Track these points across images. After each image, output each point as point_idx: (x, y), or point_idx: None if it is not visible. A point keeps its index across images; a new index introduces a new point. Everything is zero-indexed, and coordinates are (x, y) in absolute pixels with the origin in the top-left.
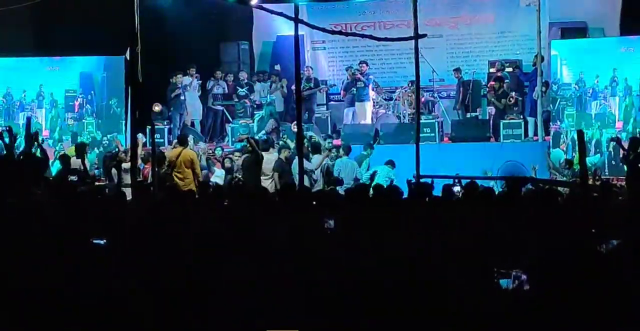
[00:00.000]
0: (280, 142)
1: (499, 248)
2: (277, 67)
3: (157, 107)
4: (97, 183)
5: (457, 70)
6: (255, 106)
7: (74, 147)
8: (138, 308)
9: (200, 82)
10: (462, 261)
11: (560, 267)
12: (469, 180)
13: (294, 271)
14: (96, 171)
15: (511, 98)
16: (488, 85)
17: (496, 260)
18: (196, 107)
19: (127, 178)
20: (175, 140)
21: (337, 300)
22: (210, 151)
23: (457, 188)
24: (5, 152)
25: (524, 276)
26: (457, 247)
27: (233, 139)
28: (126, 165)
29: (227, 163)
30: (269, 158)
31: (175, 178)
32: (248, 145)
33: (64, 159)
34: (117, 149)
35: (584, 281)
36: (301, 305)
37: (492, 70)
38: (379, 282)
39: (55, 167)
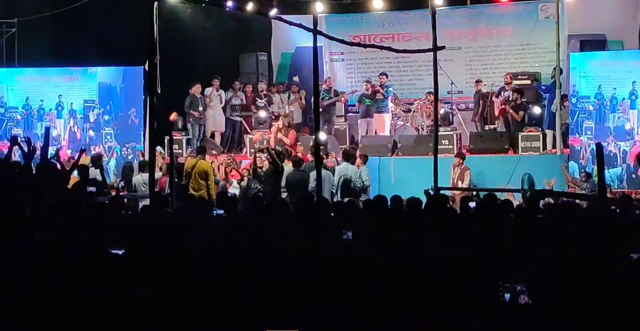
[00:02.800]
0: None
1: (510, 261)
2: (296, 79)
3: (173, 116)
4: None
5: (479, 81)
6: (273, 117)
7: (88, 158)
8: (154, 315)
9: (220, 92)
10: (473, 274)
11: (566, 282)
12: (486, 192)
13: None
14: (121, 183)
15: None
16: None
17: (505, 273)
18: (217, 118)
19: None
20: (190, 149)
21: (349, 308)
22: (229, 161)
23: (472, 204)
24: (24, 162)
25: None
26: (470, 259)
27: (251, 150)
28: (143, 177)
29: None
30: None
31: (190, 189)
32: (268, 155)
33: (82, 169)
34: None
35: (594, 296)
36: (313, 313)
37: (503, 83)
38: (392, 291)
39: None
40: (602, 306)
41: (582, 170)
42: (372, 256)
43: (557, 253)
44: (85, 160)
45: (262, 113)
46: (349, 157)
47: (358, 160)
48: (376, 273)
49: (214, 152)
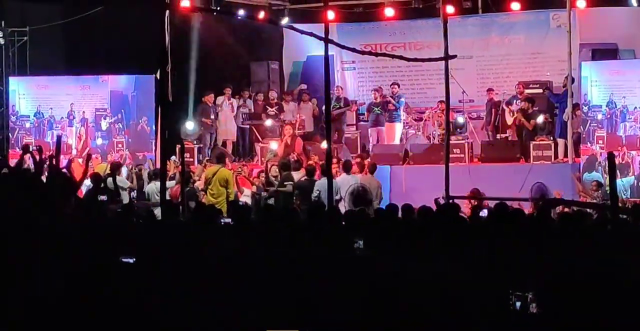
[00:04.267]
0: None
1: (521, 269)
2: (304, 86)
3: (189, 126)
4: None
5: (491, 90)
6: (283, 126)
7: (105, 165)
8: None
9: (231, 101)
10: (483, 283)
11: (574, 291)
12: (497, 201)
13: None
14: (134, 193)
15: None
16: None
17: (516, 282)
18: (229, 126)
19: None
20: (207, 158)
21: (360, 317)
22: (240, 170)
23: (483, 213)
24: (35, 171)
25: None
26: (480, 268)
27: (262, 159)
28: (156, 186)
29: (255, 184)
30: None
31: (208, 196)
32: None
33: (96, 178)
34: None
35: (603, 306)
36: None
37: (515, 92)
38: (403, 300)
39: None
40: (611, 316)
41: (594, 180)
42: (383, 264)
43: (568, 262)
44: (101, 167)
45: (269, 122)
46: (348, 168)
47: (355, 169)
48: (386, 281)
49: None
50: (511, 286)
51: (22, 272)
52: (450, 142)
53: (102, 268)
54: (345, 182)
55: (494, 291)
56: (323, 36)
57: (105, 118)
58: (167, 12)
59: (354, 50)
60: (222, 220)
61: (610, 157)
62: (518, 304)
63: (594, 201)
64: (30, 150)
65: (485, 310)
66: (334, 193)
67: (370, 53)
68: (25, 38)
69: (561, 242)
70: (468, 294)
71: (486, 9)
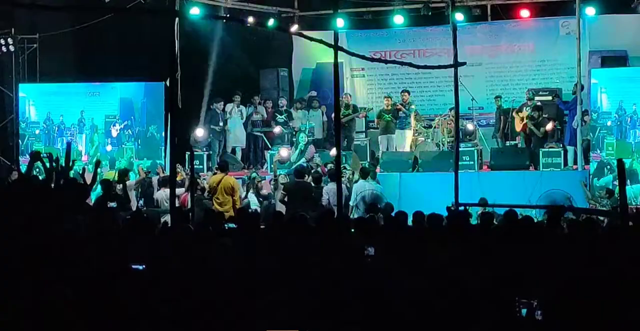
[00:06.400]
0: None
1: (528, 277)
2: (313, 93)
3: (200, 133)
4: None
5: (499, 97)
6: (294, 133)
7: (115, 172)
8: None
9: (240, 108)
10: (489, 290)
11: (580, 298)
12: (507, 209)
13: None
14: (141, 201)
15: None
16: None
17: (523, 289)
18: (238, 134)
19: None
20: (216, 166)
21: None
22: (255, 174)
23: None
24: (45, 178)
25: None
26: (489, 274)
27: (271, 166)
28: (166, 193)
29: (264, 191)
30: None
31: (215, 204)
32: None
33: (106, 184)
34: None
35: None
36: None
37: (524, 99)
38: (412, 306)
39: (95, 192)
40: (617, 325)
41: (604, 187)
42: (389, 268)
43: (574, 270)
44: (110, 174)
45: (277, 129)
46: (366, 174)
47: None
48: (397, 288)
49: (234, 167)
50: (518, 293)
51: (30, 279)
52: (460, 149)
53: (112, 275)
54: (357, 189)
55: (500, 297)
56: (332, 43)
57: (114, 125)
58: (177, 19)
59: (363, 57)
60: (226, 225)
61: (620, 164)
62: (524, 311)
63: (603, 208)
64: (41, 157)
65: (491, 317)
66: (350, 199)
67: (379, 60)
68: (35, 45)
69: (569, 250)
70: (474, 300)
71: (495, 17)
